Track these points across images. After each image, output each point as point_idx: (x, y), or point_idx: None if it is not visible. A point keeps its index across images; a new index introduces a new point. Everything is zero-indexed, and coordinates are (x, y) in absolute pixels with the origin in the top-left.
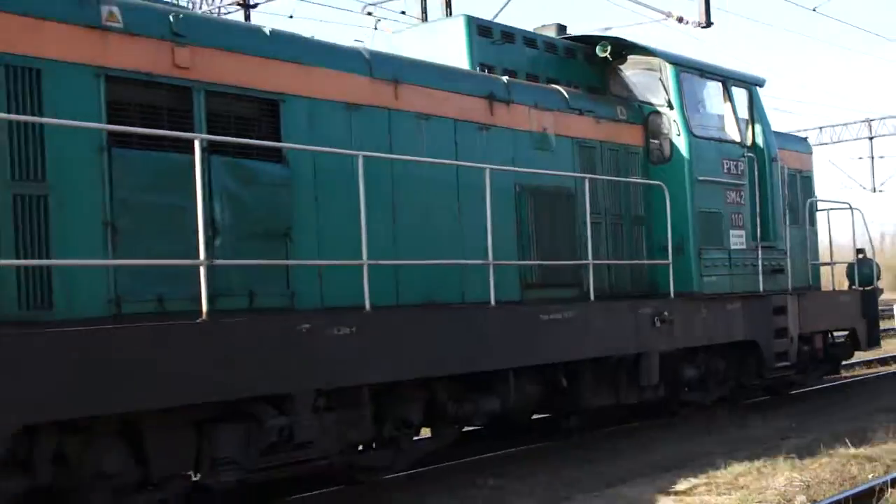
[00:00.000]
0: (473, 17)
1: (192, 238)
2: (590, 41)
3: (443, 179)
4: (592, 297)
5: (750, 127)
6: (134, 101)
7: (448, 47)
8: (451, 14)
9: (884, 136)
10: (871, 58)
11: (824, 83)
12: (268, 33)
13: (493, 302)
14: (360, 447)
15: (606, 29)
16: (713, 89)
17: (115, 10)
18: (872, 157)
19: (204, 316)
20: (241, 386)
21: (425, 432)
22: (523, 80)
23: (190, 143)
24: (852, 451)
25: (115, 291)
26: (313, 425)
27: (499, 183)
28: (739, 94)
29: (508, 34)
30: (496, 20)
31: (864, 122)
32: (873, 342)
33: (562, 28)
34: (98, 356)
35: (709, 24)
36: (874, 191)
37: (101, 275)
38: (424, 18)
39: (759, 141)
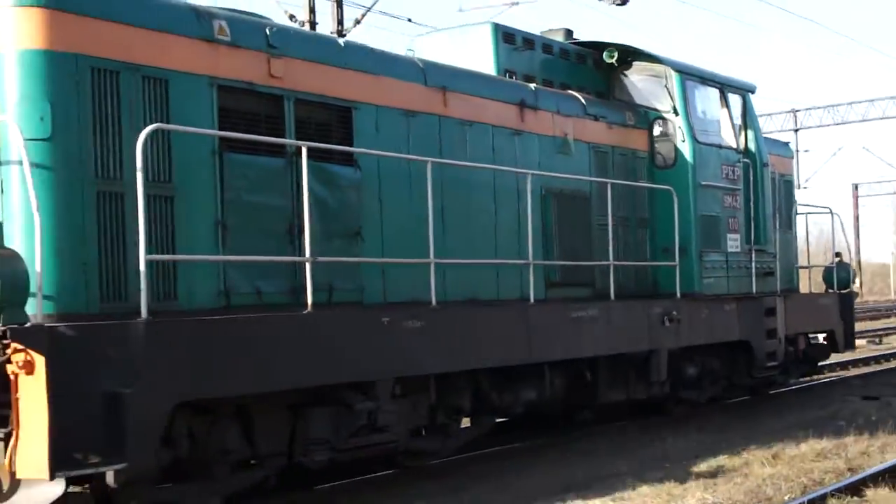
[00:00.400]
0: (499, 25)
1: (284, 236)
2: (597, 46)
3: (482, 182)
4: (613, 296)
5: (743, 132)
6: (239, 109)
7: (475, 53)
8: (342, 16)
9: (810, 128)
10: (798, 44)
11: (747, 70)
12: (342, 44)
13: (532, 300)
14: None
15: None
16: (711, 95)
17: (224, 23)
18: (797, 151)
19: (309, 308)
20: (341, 372)
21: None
22: (545, 87)
23: (281, 147)
24: (768, 469)
25: (224, 285)
26: (391, 410)
27: (533, 187)
28: (734, 101)
29: (529, 40)
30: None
31: (789, 112)
32: (849, 344)
33: (569, 33)
34: (239, 341)
35: (624, 2)
36: (798, 187)
37: (213, 270)
38: (312, 19)
39: (752, 146)
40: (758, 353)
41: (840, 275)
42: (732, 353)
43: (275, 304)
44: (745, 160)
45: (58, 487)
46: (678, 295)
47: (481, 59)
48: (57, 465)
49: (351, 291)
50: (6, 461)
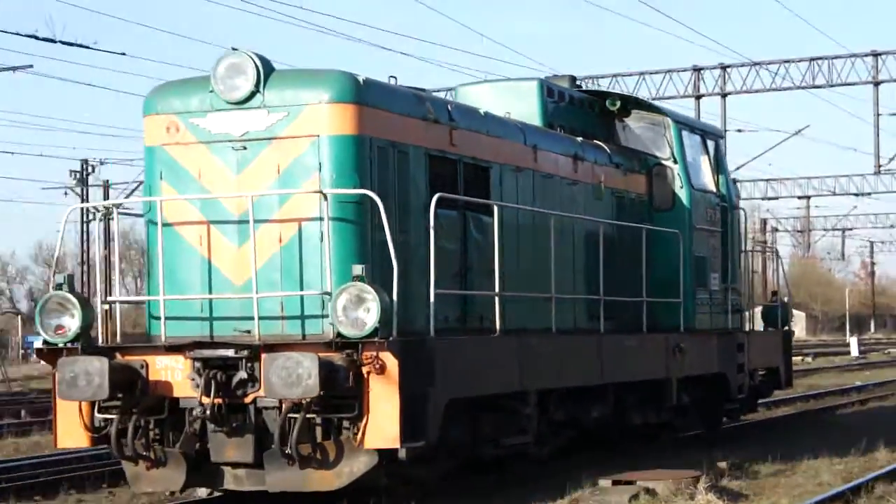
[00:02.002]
0: (544, 81)
1: (457, 274)
2: (598, 94)
3: (556, 228)
4: (645, 329)
5: (716, 176)
6: (436, 171)
7: (523, 105)
8: None
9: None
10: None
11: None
12: (482, 114)
13: (601, 330)
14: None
15: None
16: (696, 142)
17: (430, 104)
18: None
19: (497, 332)
20: (524, 381)
21: None
22: (581, 138)
23: (455, 202)
24: None
25: (433, 314)
26: (535, 416)
27: (579, 229)
28: (711, 146)
29: (562, 94)
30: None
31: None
32: (789, 382)
33: (573, 79)
34: (486, 356)
35: None
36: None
37: (427, 301)
38: None
39: (724, 190)
40: (732, 385)
41: (781, 313)
42: (707, 386)
43: (451, 329)
44: (723, 204)
45: (374, 459)
46: (682, 329)
47: (528, 111)
48: (404, 438)
49: (490, 320)
50: (358, 436)
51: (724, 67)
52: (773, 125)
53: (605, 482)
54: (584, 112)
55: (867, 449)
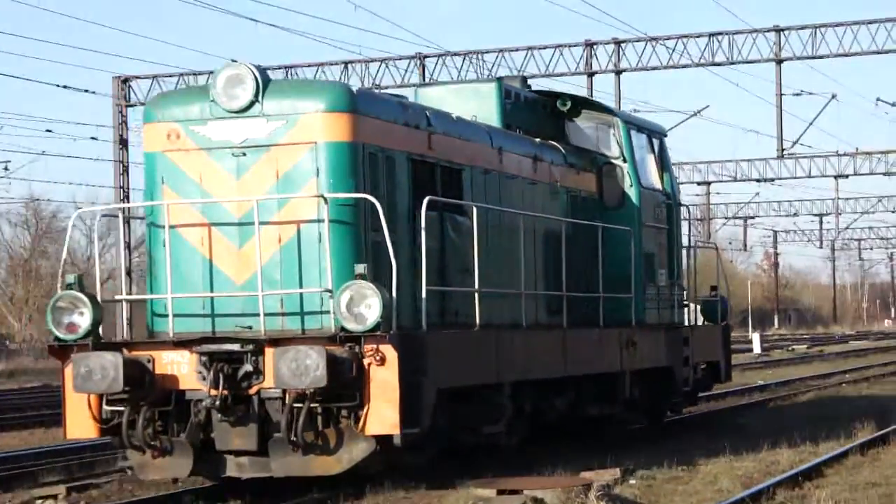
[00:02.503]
0: (502, 82)
1: (439, 271)
2: (548, 94)
3: (516, 227)
4: (602, 323)
5: (661, 174)
6: (416, 175)
7: (482, 107)
8: None
9: None
10: None
11: None
12: (455, 118)
13: (564, 324)
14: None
15: None
16: (643, 141)
17: (411, 111)
18: None
19: (477, 327)
20: (497, 374)
21: None
22: (532, 137)
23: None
24: None
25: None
26: (509, 406)
27: (539, 228)
28: (656, 145)
29: (518, 95)
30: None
31: None
32: (728, 375)
33: (524, 80)
34: (468, 349)
35: None
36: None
37: (412, 297)
38: None
39: (668, 187)
40: (678, 379)
41: (721, 307)
42: (653, 380)
43: (432, 324)
44: (668, 201)
45: (372, 445)
46: (633, 323)
47: (488, 113)
48: (403, 425)
49: (469, 315)
50: (359, 423)
51: (618, 43)
52: (670, 105)
53: (488, 492)
54: (536, 112)
55: (769, 452)
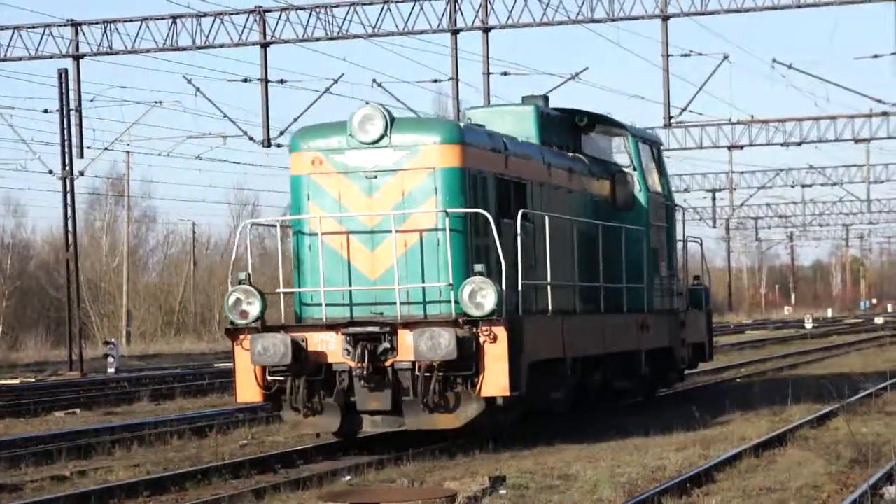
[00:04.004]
0: (538, 106)
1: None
2: (566, 111)
3: (565, 229)
4: (626, 309)
5: (660, 179)
6: (499, 189)
7: (522, 126)
8: None
9: None
10: None
11: None
12: (521, 141)
13: (602, 310)
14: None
15: None
16: (647, 151)
17: (495, 138)
18: None
19: (550, 313)
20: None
21: None
22: (569, 153)
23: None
24: None
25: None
26: (570, 377)
27: (576, 229)
28: (656, 153)
29: (548, 114)
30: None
31: None
32: (711, 355)
33: (546, 98)
34: (546, 330)
35: None
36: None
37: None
38: None
39: (666, 190)
40: (677, 358)
41: (704, 295)
42: (655, 359)
43: (512, 311)
44: (667, 202)
45: (482, 405)
46: (646, 309)
47: (527, 132)
48: (511, 388)
49: (535, 303)
50: (475, 387)
51: None
52: (545, 67)
53: None
54: (560, 128)
55: (655, 455)
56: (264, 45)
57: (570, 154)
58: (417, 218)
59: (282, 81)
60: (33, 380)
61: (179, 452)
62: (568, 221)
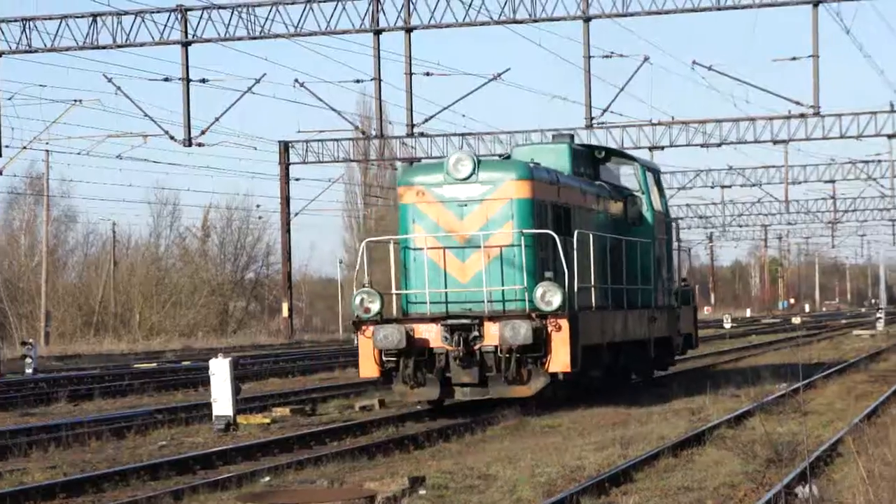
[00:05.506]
0: (571, 143)
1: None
2: (588, 147)
3: (597, 243)
4: (640, 305)
5: (660, 199)
6: (555, 214)
7: (558, 160)
8: None
9: None
10: None
11: None
12: (567, 175)
13: (625, 307)
14: None
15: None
16: (651, 177)
17: (551, 174)
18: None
19: (593, 308)
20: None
21: None
22: (595, 181)
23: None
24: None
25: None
26: (605, 359)
27: (605, 242)
28: (656, 178)
29: (577, 150)
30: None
31: None
32: (697, 344)
33: (572, 136)
34: (591, 323)
35: None
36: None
37: None
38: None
39: (664, 209)
40: (674, 345)
41: (691, 293)
42: (654, 347)
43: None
44: (666, 219)
45: (548, 379)
46: (653, 306)
47: (563, 164)
48: (571, 365)
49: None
50: (544, 365)
51: None
52: (467, 68)
53: None
54: (585, 159)
55: (575, 455)
56: (186, 45)
57: (597, 182)
58: (499, 237)
59: (203, 81)
60: None
61: (97, 454)
62: (601, 237)
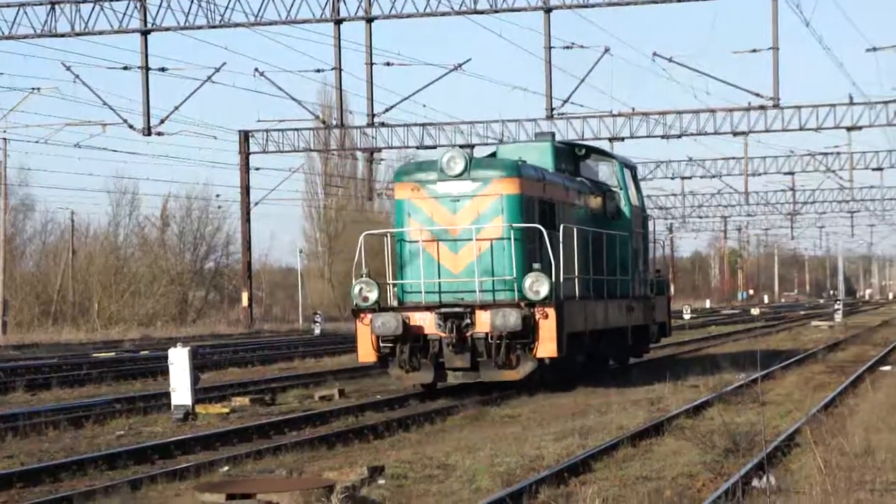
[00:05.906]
0: (553, 141)
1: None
2: (569, 144)
3: (580, 236)
4: (618, 295)
5: (637, 195)
6: (541, 209)
7: (541, 157)
8: None
9: None
10: None
11: None
12: (552, 172)
13: (605, 296)
14: None
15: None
16: (629, 174)
17: (538, 171)
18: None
19: (577, 298)
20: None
21: None
22: (577, 178)
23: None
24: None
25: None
26: (587, 345)
27: (587, 236)
28: (633, 174)
29: (558, 148)
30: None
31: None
32: (670, 332)
33: (553, 135)
34: (575, 311)
35: None
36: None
37: None
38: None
39: (641, 204)
40: (651, 333)
41: (665, 284)
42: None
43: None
44: (643, 214)
45: (535, 364)
46: (630, 296)
47: (545, 162)
48: (558, 351)
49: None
50: (532, 351)
51: None
52: (428, 58)
53: (216, 497)
54: (566, 157)
55: (534, 445)
56: (145, 33)
57: (578, 178)
58: (489, 230)
59: (163, 69)
60: None
61: (55, 443)
62: (583, 231)
